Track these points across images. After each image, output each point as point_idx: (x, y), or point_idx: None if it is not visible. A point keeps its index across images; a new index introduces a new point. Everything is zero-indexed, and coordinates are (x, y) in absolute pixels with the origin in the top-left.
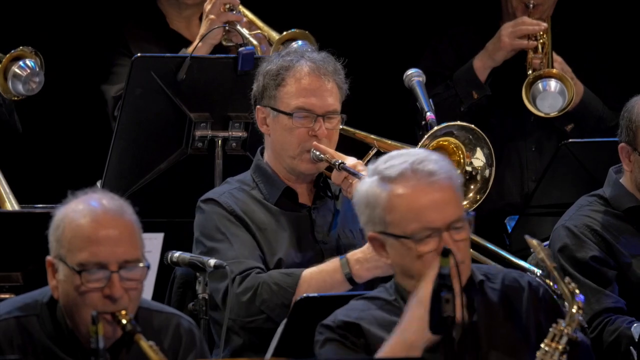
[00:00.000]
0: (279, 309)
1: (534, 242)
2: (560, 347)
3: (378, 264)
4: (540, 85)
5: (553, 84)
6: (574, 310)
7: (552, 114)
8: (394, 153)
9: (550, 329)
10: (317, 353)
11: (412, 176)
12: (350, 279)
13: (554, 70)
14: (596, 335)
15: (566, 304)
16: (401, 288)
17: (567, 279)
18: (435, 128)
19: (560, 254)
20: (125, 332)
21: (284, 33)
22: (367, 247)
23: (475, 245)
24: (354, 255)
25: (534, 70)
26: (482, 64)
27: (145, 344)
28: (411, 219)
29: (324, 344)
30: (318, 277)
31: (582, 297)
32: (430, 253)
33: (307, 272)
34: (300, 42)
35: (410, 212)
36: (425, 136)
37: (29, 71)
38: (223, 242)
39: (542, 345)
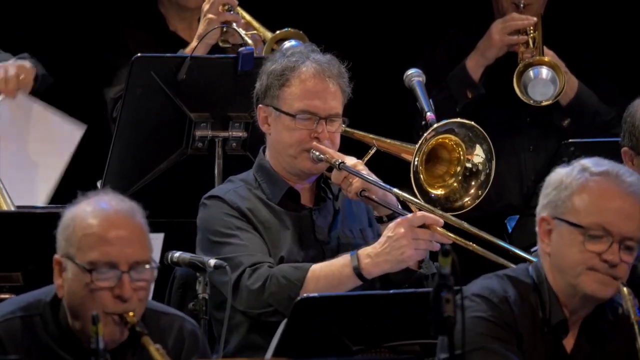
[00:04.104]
0: (287, 302)
1: (625, 290)
2: None
3: (388, 259)
4: (531, 72)
5: (545, 72)
6: None
7: (544, 102)
8: (603, 159)
9: None
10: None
11: (615, 178)
12: (359, 274)
13: (546, 58)
14: None
15: None
16: (543, 277)
17: None
18: (437, 124)
19: None
20: (133, 333)
21: (277, 32)
22: (377, 244)
23: (477, 239)
24: (364, 250)
25: None
26: (475, 63)
27: (152, 347)
28: (594, 212)
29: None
30: (327, 270)
31: None
32: (594, 254)
33: (317, 266)
34: (293, 42)
35: (596, 206)
36: (428, 131)
37: None
38: (232, 237)
39: None
